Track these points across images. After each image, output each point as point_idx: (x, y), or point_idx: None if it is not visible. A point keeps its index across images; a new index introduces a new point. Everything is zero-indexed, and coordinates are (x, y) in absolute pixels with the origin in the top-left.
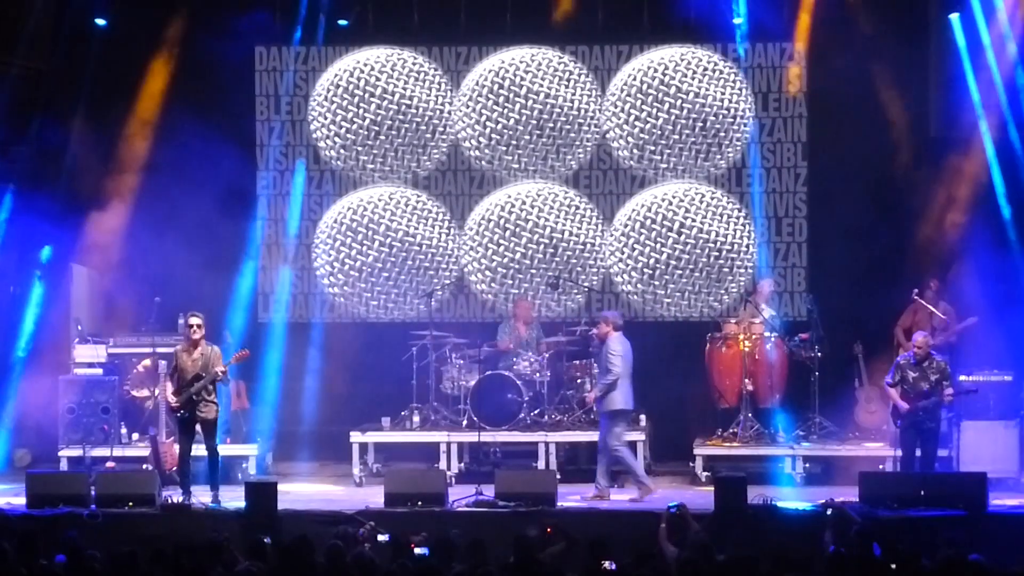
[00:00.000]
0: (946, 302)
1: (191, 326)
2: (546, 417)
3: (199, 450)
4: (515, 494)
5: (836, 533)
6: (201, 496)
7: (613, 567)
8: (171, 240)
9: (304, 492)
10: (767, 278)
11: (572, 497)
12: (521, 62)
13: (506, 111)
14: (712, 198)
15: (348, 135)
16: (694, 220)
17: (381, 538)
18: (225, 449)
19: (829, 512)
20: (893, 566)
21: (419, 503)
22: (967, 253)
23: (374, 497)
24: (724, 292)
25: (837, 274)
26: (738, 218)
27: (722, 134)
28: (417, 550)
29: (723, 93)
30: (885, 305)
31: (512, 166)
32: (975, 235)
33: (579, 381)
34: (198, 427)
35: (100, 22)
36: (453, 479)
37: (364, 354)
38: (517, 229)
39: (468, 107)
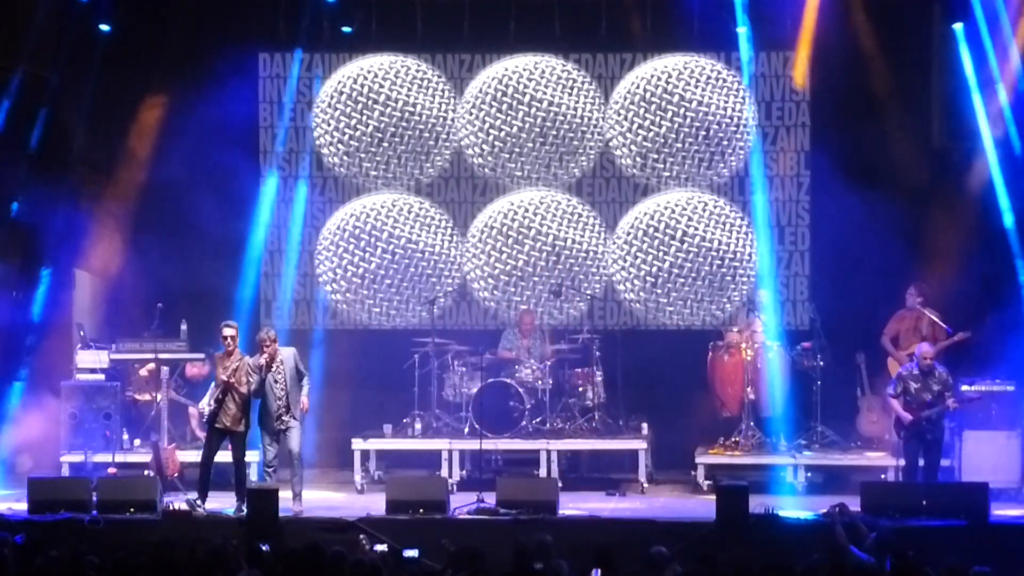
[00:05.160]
0: (931, 309)
1: (224, 337)
2: (548, 425)
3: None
4: (516, 502)
5: (848, 534)
6: (218, 503)
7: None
8: (173, 245)
9: (305, 499)
10: (762, 288)
11: (571, 506)
12: (524, 70)
13: (509, 119)
14: (715, 207)
15: (351, 142)
16: (696, 228)
17: (379, 547)
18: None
19: (838, 512)
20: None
21: (420, 510)
22: (970, 263)
23: (375, 504)
24: (727, 301)
25: (840, 283)
26: (741, 227)
27: (725, 143)
28: (407, 552)
29: (726, 102)
30: (888, 314)
31: (515, 173)
32: (978, 245)
33: (581, 389)
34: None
35: (104, 28)
36: (455, 486)
37: (366, 361)
38: (520, 237)
39: (471, 114)
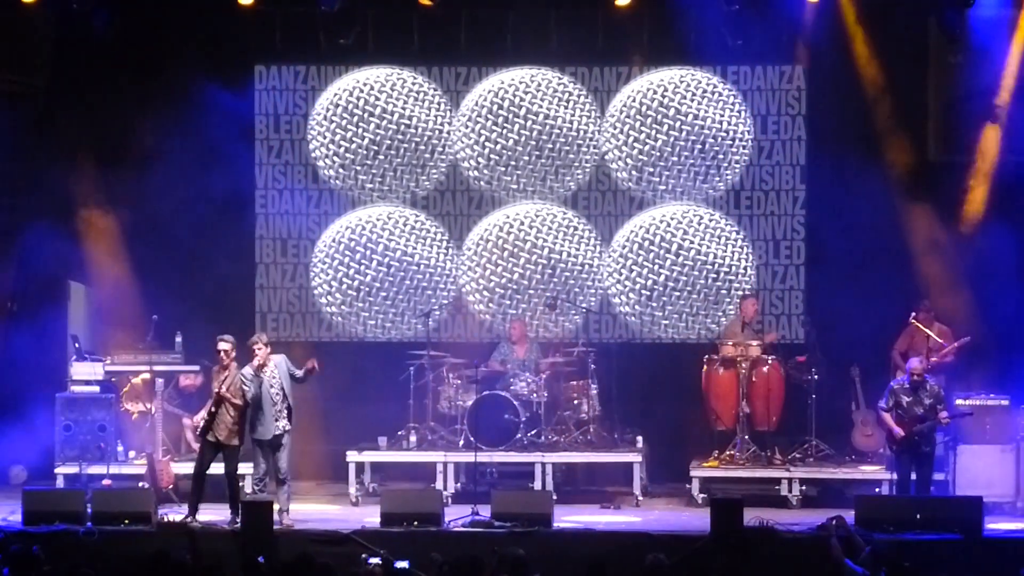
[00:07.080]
0: (940, 323)
1: (218, 351)
2: (543, 437)
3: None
4: (511, 514)
5: (845, 547)
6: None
7: None
8: (169, 258)
9: (301, 511)
10: (749, 298)
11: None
12: (520, 83)
13: (505, 132)
14: (710, 220)
15: (347, 154)
16: (692, 242)
17: (373, 560)
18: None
19: (834, 524)
20: None
21: (415, 523)
22: (965, 276)
23: (370, 517)
24: (722, 314)
25: (835, 297)
26: (736, 240)
27: (721, 156)
28: (398, 564)
29: (722, 115)
30: (883, 328)
31: (511, 187)
32: (973, 259)
33: (576, 402)
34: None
35: (99, 40)
36: (449, 499)
37: (361, 373)
38: (515, 250)
39: (467, 127)
